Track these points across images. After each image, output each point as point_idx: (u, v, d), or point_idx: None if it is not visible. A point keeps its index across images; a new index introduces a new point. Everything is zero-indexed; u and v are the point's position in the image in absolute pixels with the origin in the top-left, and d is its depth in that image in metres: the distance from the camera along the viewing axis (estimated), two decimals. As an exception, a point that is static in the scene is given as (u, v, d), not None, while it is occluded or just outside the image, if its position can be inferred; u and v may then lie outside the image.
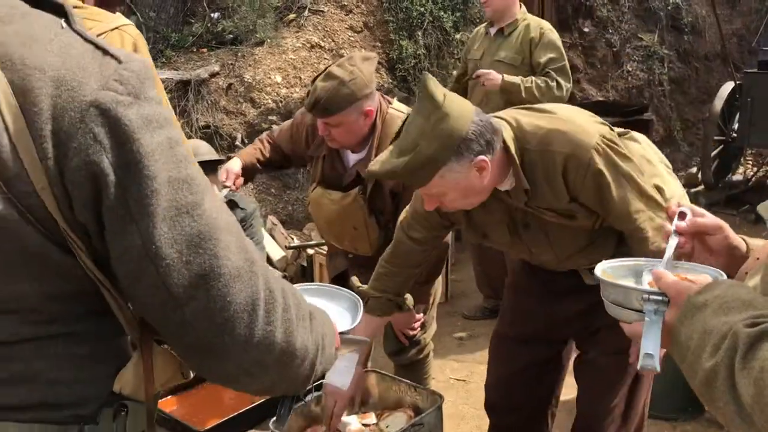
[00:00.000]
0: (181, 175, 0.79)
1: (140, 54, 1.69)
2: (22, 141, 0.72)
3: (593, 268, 1.93)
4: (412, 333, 2.67)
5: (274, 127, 2.87)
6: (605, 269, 1.16)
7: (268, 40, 5.94)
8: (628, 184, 1.74)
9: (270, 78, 5.76)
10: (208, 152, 3.24)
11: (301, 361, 0.92)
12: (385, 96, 2.49)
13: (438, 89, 1.65)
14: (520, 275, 2.23)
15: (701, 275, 1.07)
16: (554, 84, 3.64)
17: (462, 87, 4.00)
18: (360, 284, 2.14)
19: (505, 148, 1.74)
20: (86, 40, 0.78)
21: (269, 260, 4.30)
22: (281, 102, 5.70)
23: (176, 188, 0.78)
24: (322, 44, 6.23)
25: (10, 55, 0.74)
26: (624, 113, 6.06)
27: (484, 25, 4.01)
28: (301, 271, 4.62)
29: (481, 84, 3.68)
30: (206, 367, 0.87)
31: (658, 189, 1.84)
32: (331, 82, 2.24)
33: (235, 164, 2.60)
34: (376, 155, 2.34)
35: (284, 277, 4.33)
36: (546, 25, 3.81)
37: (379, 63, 6.57)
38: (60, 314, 0.80)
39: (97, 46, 0.78)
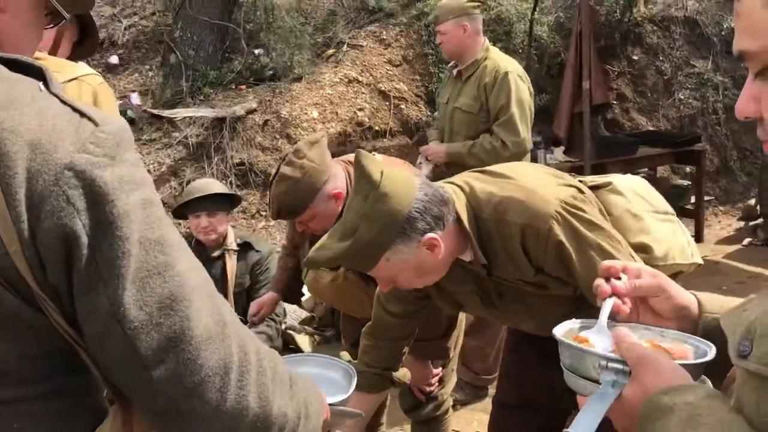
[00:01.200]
0: (154, 236, 0.79)
1: (101, 105, 1.67)
2: None
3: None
4: (429, 389, 2.52)
5: None
6: (571, 329, 0.99)
7: (306, 76, 5.94)
8: (595, 252, 1.55)
9: (306, 113, 5.73)
10: (220, 188, 3.20)
11: (279, 429, 0.89)
12: (347, 161, 2.33)
13: (374, 166, 1.53)
14: (515, 338, 2.07)
15: (682, 346, 0.90)
16: (498, 144, 3.21)
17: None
18: (350, 358, 2.02)
19: (458, 219, 1.60)
20: (64, 102, 0.80)
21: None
22: (317, 137, 5.67)
23: (148, 249, 0.78)
24: (360, 79, 6.19)
25: None
26: (675, 143, 5.80)
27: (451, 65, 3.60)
28: (330, 313, 4.51)
29: (426, 159, 3.40)
30: None
31: (644, 248, 1.66)
32: (285, 185, 2.15)
33: (271, 298, 2.81)
34: None
35: (312, 318, 4.23)
36: (506, 65, 3.29)
37: (417, 96, 6.49)
38: (36, 373, 0.80)
39: (74, 109, 0.80)
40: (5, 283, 0.75)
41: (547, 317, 1.71)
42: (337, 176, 2.24)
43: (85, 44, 1.83)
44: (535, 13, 6.67)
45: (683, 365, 0.83)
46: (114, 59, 6.86)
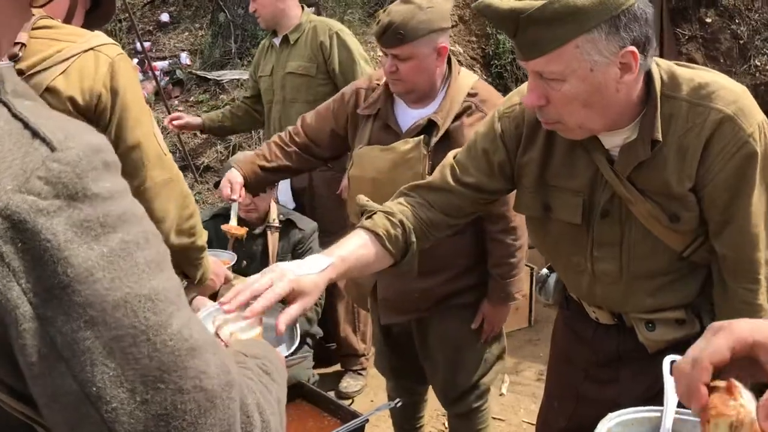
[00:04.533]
0: (142, 290, 0.61)
1: (118, 78, 1.51)
2: None
3: (653, 323, 1.47)
4: (490, 331, 2.34)
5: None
6: (612, 428, 0.80)
7: (358, 36, 5.72)
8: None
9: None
10: None
11: None
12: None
13: None
14: (562, 344, 1.80)
15: None
16: None
17: (249, 108, 3.55)
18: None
19: (647, 81, 1.33)
20: (14, 115, 0.61)
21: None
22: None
23: (136, 309, 0.61)
24: (413, 40, 5.95)
25: None
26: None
27: (266, 38, 3.52)
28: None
29: None
30: None
31: None
32: (406, 6, 2.03)
33: (236, 175, 2.32)
34: (451, 99, 2.11)
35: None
36: (337, 25, 3.35)
37: (473, 59, 6.21)
38: None
39: (26, 125, 0.60)
40: None
41: (636, 262, 1.45)
42: (448, 38, 2.13)
43: (99, 11, 1.67)
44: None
45: None
46: (165, 17, 6.77)
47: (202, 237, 1.76)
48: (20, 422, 0.65)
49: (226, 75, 5.21)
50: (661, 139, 1.34)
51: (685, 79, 1.35)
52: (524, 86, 1.46)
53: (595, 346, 1.66)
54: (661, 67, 1.38)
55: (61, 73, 1.45)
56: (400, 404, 2.04)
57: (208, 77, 5.26)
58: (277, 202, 3.24)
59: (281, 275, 1.23)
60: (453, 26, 6.26)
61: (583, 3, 1.19)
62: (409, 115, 2.21)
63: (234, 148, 4.93)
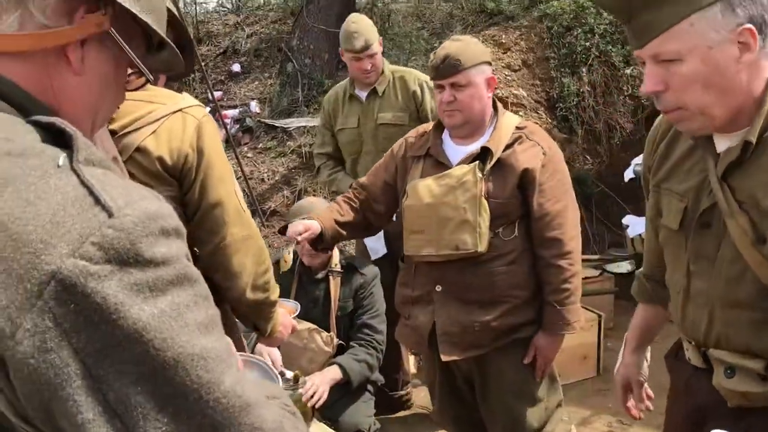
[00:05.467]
0: (194, 350, 0.63)
1: (204, 138, 1.60)
2: None
3: (732, 369, 1.31)
4: (543, 366, 2.31)
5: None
6: None
7: (421, 83, 5.82)
8: None
9: (420, 122, 5.62)
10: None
11: None
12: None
13: None
14: (669, 396, 1.65)
15: None
16: None
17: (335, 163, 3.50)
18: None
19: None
20: (82, 182, 0.64)
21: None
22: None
23: (185, 369, 0.62)
24: (477, 85, 5.99)
25: None
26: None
27: (340, 89, 3.50)
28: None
29: None
30: None
31: None
32: (458, 42, 2.26)
33: (314, 224, 2.34)
34: (502, 128, 2.24)
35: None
36: (421, 75, 3.42)
37: (537, 102, 6.19)
38: None
39: (91, 192, 0.63)
40: None
41: (726, 285, 1.34)
42: (491, 77, 2.28)
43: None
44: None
45: None
46: (236, 67, 7.06)
47: (275, 292, 1.81)
48: None
49: (293, 123, 5.36)
50: (753, 141, 1.26)
51: None
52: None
53: (687, 395, 1.54)
54: None
55: (152, 133, 1.53)
56: None
57: (276, 125, 5.42)
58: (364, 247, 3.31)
59: None
60: (516, 70, 6.29)
61: None
62: (458, 151, 2.28)
63: (300, 193, 5.04)
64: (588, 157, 6.18)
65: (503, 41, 6.37)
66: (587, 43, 6.24)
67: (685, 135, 1.44)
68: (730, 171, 1.31)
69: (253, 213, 5.22)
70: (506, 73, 6.20)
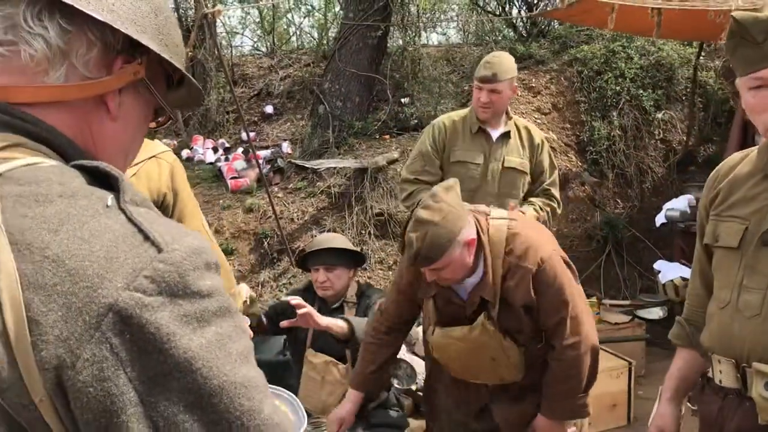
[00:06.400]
0: (236, 378, 0.67)
1: (177, 180, 1.82)
2: (21, 346, 0.63)
3: None
4: None
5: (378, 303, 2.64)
6: None
7: (450, 125, 5.86)
8: None
9: (449, 164, 5.65)
10: (342, 243, 3.13)
11: None
12: (478, 210, 2.26)
13: None
14: (709, 414, 1.67)
15: None
16: (556, 204, 3.35)
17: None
18: None
19: None
20: (130, 220, 0.69)
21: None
22: (459, 188, 5.56)
23: (232, 396, 0.66)
24: (506, 128, 6.02)
25: (31, 241, 0.65)
26: None
27: (457, 117, 3.34)
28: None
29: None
30: None
31: None
32: (423, 229, 2.06)
33: (348, 409, 2.45)
34: (493, 271, 2.14)
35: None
36: (541, 132, 3.44)
37: (567, 145, 6.19)
38: None
39: (140, 229, 0.68)
40: None
41: None
42: (471, 224, 2.15)
43: (190, 98, 1.89)
44: (700, 57, 6.19)
45: None
46: (269, 109, 7.21)
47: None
48: None
49: (324, 164, 5.43)
50: None
51: None
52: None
53: (722, 422, 1.57)
54: None
55: (133, 175, 1.74)
56: None
57: (307, 166, 5.49)
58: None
59: None
60: (546, 114, 6.31)
61: None
62: (465, 285, 2.25)
63: (329, 232, 5.08)
64: (619, 201, 6.13)
65: (533, 85, 6.42)
66: (617, 87, 6.25)
67: (743, 165, 1.57)
68: None
69: (282, 252, 5.27)
70: (536, 116, 6.23)
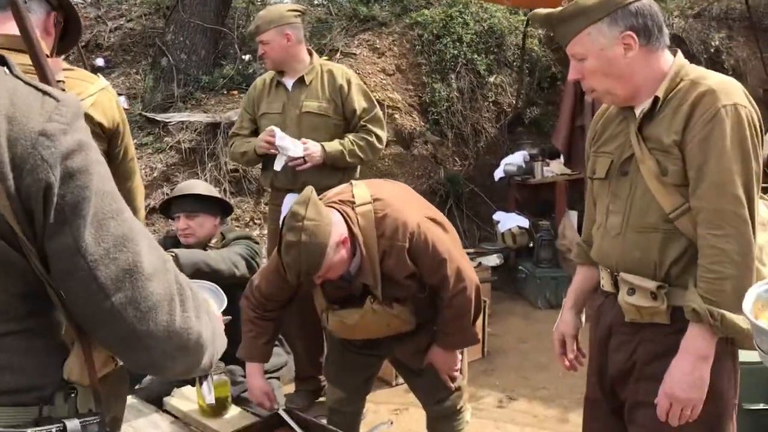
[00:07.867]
0: (105, 187, 0.96)
1: (121, 111, 2.09)
2: None
3: (633, 290, 1.73)
4: (455, 374, 2.54)
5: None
6: (760, 293, 0.91)
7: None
8: None
9: (300, 121, 5.65)
10: (205, 189, 3.10)
11: (208, 347, 1.07)
12: (342, 201, 2.33)
13: None
14: (594, 311, 1.96)
15: None
16: (373, 139, 3.40)
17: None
18: None
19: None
20: (26, 83, 0.96)
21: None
22: (311, 145, 5.58)
23: (103, 197, 0.94)
24: (354, 87, 6.13)
25: None
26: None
27: (267, 77, 3.53)
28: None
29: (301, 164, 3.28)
30: (134, 357, 1.00)
31: None
32: (294, 252, 2.14)
33: (263, 383, 2.53)
34: (370, 259, 2.26)
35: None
36: (349, 71, 3.53)
37: (410, 106, 6.45)
38: (21, 311, 0.96)
39: (36, 89, 0.96)
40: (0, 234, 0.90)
41: (634, 221, 1.73)
42: (337, 223, 2.22)
43: (67, 39, 1.87)
44: (528, 26, 6.71)
45: None
46: (100, 61, 6.69)
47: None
48: (40, 287, 0.95)
49: (174, 117, 5.21)
50: (660, 96, 1.68)
51: (699, 70, 1.71)
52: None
53: (600, 317, 1.88)
54: (686, 66, 1.73)
55: (91, 105, 1.95)
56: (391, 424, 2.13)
57: (157, 119, 5.23)
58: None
59: None
60: (391, 75, 6.52)
61: (588, 4, 1.68)
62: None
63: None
64: (457, 159, 6.52)
65: (378, 46, 6.57)
66: (455, 51, 6.60)
67: (612, 108, 1.87)
68: (644, 124, 1.72)
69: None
70: (381, 77, 6.40)
